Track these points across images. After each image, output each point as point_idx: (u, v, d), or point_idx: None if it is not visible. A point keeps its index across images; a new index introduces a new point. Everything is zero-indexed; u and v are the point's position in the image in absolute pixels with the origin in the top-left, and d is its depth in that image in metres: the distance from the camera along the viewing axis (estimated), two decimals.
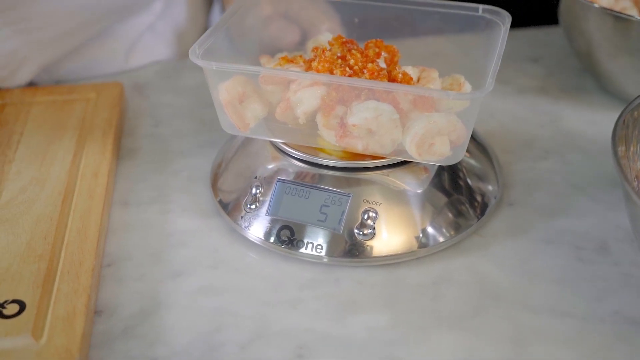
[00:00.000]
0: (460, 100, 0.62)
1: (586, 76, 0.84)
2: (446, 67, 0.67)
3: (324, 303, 0.59)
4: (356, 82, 0.59)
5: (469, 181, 0.67)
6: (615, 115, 0.57)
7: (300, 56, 0.67)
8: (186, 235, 0.65)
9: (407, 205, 0.63)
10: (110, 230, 0.66)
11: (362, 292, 0.59)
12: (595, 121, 0.78)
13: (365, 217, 0.61)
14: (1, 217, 0.65)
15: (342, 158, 0.63)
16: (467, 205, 0.66)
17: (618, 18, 0.72)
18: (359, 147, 0.61)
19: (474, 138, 0.72)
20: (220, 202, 0.67)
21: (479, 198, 0.67)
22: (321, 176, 0.63)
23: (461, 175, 0.67)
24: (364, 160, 0.63)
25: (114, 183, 0.72)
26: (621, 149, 0.52)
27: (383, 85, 0.58)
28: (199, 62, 0.60)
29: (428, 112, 0.60)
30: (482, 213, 0.66)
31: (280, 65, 0.66)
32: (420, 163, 0.63)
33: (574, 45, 0.81)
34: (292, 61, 0.66)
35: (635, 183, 0.55)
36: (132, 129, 0.80)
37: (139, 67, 0.92)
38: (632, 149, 0.55)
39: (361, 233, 0.61)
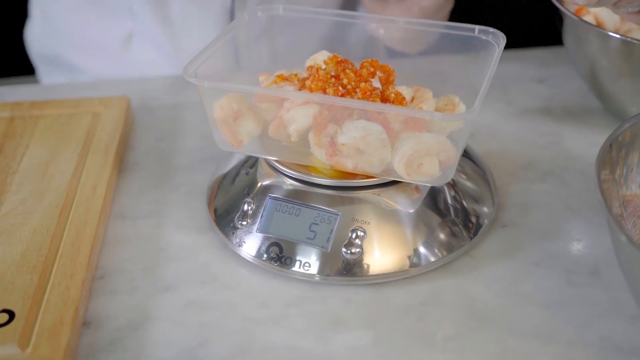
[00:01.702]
0: (450, 122, 0.62)
1: (591, 97, 0.83)
2: (443, 86, 0.67)
3: (309, 321, 0.59)
4: (344, 101, 0.59)
5: (464, 203, 0.67)
6: None
7: (296, 75, 0.67)
8: (179, 250, 0.66)
9: (398, 224, 0.63)
10: (105, 243, 0.67)
11: (348, 311, 0.60)
12: (597, 143, 0.76)
13: (354, 235, 0.61)
14: None
15: (333, 177, 0.63)
16: (460, 226, 0.66)
17: (621, 41, 0.72)
18: (348, 166, 0.61)
19: (471, 159, 0.72)
20: (214, 217, 0.68)
21: (473, 219, 0.67)
22: (312, 194, 0.64)
23: (456, 196, 0.67)
24: (355, 179, 0.63)
25: (113, 196, 0.73)
26: (605, 173, 0.52)
27: (370, 105, 0.59)
28: (192, 80, 0.61)
29: (418, 133, 0.61)
30: (475, 234, 0.66)
31: (276, 83, 0.67)
32: (411, 183, 0.63)
33: (578, 66, 0.81)
34: (287, 79, 0.67)
35: (621, 209, 0.55)
36: (136, 143, 0.81)
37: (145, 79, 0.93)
38: (617, 172, 0.54)
39: (349, 252, 0.61)
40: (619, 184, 0.55)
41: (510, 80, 0.90)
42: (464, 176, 0.69)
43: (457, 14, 0.93)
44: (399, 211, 0.64)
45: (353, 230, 0.61)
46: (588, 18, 0.80)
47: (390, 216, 0.63)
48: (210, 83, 0.61)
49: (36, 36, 1.05)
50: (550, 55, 0.94)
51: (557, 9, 0.78)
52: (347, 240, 0.61)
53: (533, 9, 0.82)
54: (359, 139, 0.59)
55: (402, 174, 0.60)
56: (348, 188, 0.63)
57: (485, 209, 0.68)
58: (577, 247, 0.64)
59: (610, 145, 0.54)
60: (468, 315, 0.59)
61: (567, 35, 0.80)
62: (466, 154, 0.72)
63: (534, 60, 0.93)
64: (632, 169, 0.57)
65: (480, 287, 0.61)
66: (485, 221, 0.67)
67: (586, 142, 0.78)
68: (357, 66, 0.67)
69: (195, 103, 0.88)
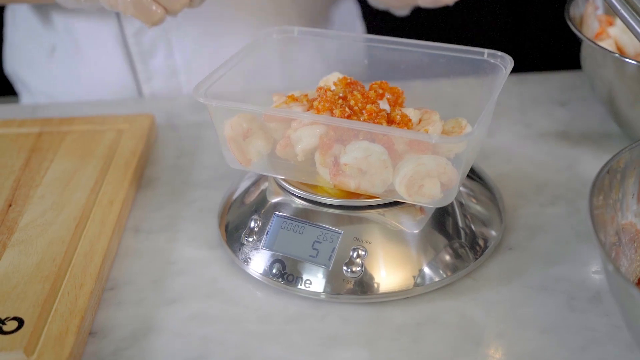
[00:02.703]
0: (448, 144, 0.62)
1: (610, 122, 0.83)
2: (453, 109, 0.68)
3: (308, 337, 0.60)
4: (344, 122, 0.60)
5: (472, 225, 0.68)
6: None
7: (306, 95, 0.69)
8: (189, 264, 0.68)
9: (402, 244, 0.64)
10: (118, 255, 0.69)
11: (346, 329, 0.60)
12: None
13: (354, 255, 0.62)
14: (18, 238, 0.69)
15: (338, 196, 0.64)
16: (466, 248, 0.66)
17: (637, 67, 0.71)
18: (351, 185, 0.62)
19: (482, 182, 0.73)
20: (223, 233, 0.69)
21: (480, 242, 0.67)
22: (318, 213, 0.65)
23: (464, 218, 0.67)
24: (359, 199, 0.64)
25: (130, 210, 0.75)
26: (599, 199, 0.51)
27: (367, 126, 0.60)
28: (201, 100, 0.63)
29: (423, 154, 0.61)
30: (480, 255, 0.66)
31: (286, 103, 0.68)
32: (415, 204, 0.64)
33: (596, 91, 0.80)
34: (297, 100, 0.68)
35: (617, 237, 0.54)
36: (157, 159, 0.83)
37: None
38: (613, 198, 0.54)
39: (349, 270, 0.62)
40: (615, 211, 0.55)
41: (531, 103, 0.90)
42: (473, 200, 0.70)
43: (480, 38, 0.93)
44: (404, 231, 0.64)
45: (354, 249, 0.62)
46: (608, 42, 0.80)
47: (394, 236, 0.64)
48: (218, 102, 0.63)
49: (8, 57, 1.12)
50: (574, 79, 0.94)
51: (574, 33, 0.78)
52: (348, 259, 0.62)
53: (556, 33, 0.82)
54: (361, 160, 0.60)
55: (404, 194, 0.61)
56: (353, 207, 0.64)
57: (493, 232, 0.68)
58: (581, 272, 0.64)
59: (608, 171, 0.54)
60: (464, 338, 0.59)
61: (585, 60, 0.80)
62: (477, 177, 0.73)
63: (557, 83, 0.93)
64: (629, 196, 0.56)
65: (480, 309, 0.61)
66: (492, 243, 0.67)
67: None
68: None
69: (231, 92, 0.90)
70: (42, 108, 0.96)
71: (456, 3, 0.79)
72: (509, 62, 0.65)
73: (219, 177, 0.80)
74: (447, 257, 0.65)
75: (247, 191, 0.71)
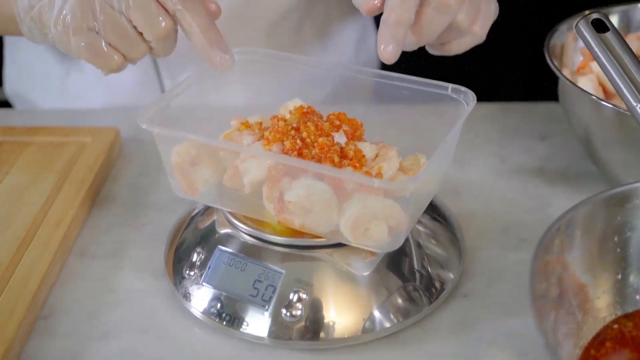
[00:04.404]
0: (397, 188, 0.59)
1: (588, 161, 0.79)
2: (415, 141, 0.65)
3: None
4: (284, 159, 0.58)
5: (429, 268, 0.64)
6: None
7: (260, 123, 0.66)
8: (129, 295, 0.65)
9: (350, 287, 0.61)
10: (59, 281, 0.67)
11: None
12: None
13: (295, 297, 0.59)
14: None
15: (284, 234, 0.61)
16: (420, 291, 0.63)
17: (614, 110, 0.67)
18: (295, 224, 0.59)
19: (444, 220, 0.69)
20: (168, 263, 0.66)
21: (436, 286, 0.64)
22: (263, 250, 0.62)
23: (420, 260, 0.64)
24: (304, 237, 0.61)
25: (79, 232, 0.72)
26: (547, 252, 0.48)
27: (308, 165, 0.57)
28: (144, 126, 0.60)
29: (371, 195, 0.58)
30: (434, 301, 0.63)
31: (239, 130, 0.65)
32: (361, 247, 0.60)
33: (573, 128, 0.77)
34: (249, 127, 0.65)
35: (558, 290, 0.51)
36: (117, 176, 0.81)
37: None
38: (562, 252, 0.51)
39: (289, 314, 0.59)
40: (564, 266, 0.52)
41: (512, 134, 0.86)
42: (432, 241, 0.66)
43: (461, 64, 0.90)
44: (353, 273, 0.61)
45: (295, 292, 0.59)
46: (589, 77, 0.76)
47: (342, 278, 0.61)
48: (161, 130, 0.60)
49: (9, 79, 1.07)
50: (558, 110, 0.89)
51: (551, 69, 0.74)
52: (287, 302, 0.59)
53: (540, 61, 0.78)
54: (304, 198, 0.57)
55: (349, 237, 0.58)
56: (299, 247, 0.61)
57: (450, 276, 0.65)
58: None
59: (558, 229, 0.51)
60: None
61: (563, 95, 0.76)
62: (440, 216, 0.69)
63: (540, 115, 0.89)
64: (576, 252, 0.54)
65: None
66: (446, 290, 0.64)
67: None
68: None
69: (180, 117, 0.87)
70: (14, 114, 0.94)
71: None
72: (471, 98, 0.62)
73: (178, 199, 0.76)
74: (400, 302, 0.62)
75: (198, 219, 0.69)
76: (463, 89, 0.63)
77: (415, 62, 0.71)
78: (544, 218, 0.71)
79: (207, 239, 0.65)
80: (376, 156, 0.63)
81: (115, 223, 0.74)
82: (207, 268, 0.62)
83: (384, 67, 0.66)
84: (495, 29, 0.71)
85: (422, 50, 0.69)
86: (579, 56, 0.80)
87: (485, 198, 0.76)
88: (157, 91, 0.97)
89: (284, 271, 0.60)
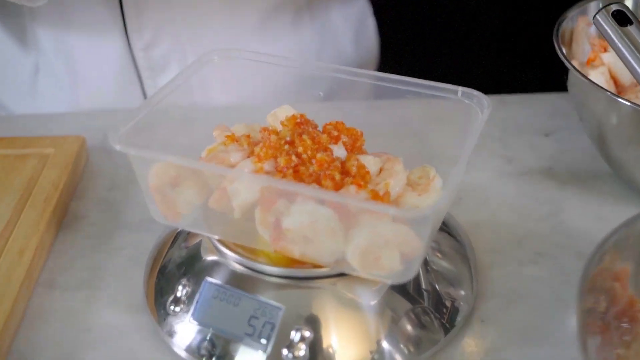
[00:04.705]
0: (415, 216, 0.52)
1: (600, 159, 0.73)
2: (420, 151, 0.58)
3: None
4: (280, 183, 0.50)
5: (437, 287, 0.58)
6: (627, 209, 0.47)
7: (248, 136, 0.59)
8: (107, 332, 0.58)
9: (358, 320, 0.54)
10: (26, 319, 0.59)
11: None
12: (602, 216, 0.67)
13: (297, 336, 0.52)
14: None
15: (281, 263, 0.54)
16: (432, 316, 0.56)
17: (632, 107, 0.61)
18: (295, 253, 0.52)
19: (452, 235, 0.63)
20: (149, 295, 0.59)
21: (449, 308, 0.58)
22: (258, 281, 0.55)
23: (428, 280, 0.58)
24: (305, 267, 0.54)
25: (46, 259, 0.65)
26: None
27: (309, 190, 0.50)
28: (117, 146, 0.53)
29: (383, 218, 0.51)
30: (449, 329, 0.56)
31: (225, 144, 0.58)
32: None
33: (584, 124, 0.71)
34: (237, 141, 0.58)
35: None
36: (84, 192, 0.73)
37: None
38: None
39: (291, 354, 0.52)
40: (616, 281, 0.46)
41: (514, 131, 0.80)
42: (438, 254, 0.60)
43: (459, 56, 0.83)
44: (359, 304, 0.54)
45: (297, 329, 0.52)
46: (600, 70, 0.70)
47: (347, 310, 0.54)
48: (138, 152, 0.53)
49: None
50: (561, 102, 0.84)
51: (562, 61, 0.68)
52: (289, 342, 0.52)
53: (543, 53, 0.72)
54: (306, 226, 0.50)
55: (357, 267, 0.51)
56: (299, 278, 0.54)
57: (464, 296, 0.59)
58: (562, 356, 0.55)
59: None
60: None
61: (573, 87, 0.70)
62: (446, 227, 0.63)
63: (542, 108, 0.83)
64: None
65: None
66: (460, 316, 0.57)
67: (590, 215, 0.68)
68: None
69: (158, 144, 0.80)
70: None
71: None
72: (485, 104, 0.55)
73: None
74: (411, 330, 0.55)
75: (181, 242, 0.61)
76: (475, 92, 0.56)
77: (411, 56, 0.65)
78: (559, 227, 0.65)
79: (193, 267, 0.58)
80: (380, 171, 0.56)
81: (87, 248, 0.66)
82: (194, 302, 0.55)
83: (383, 65, 0.60)
84: (491, 16, 0.65)
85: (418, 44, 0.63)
86: (588, 47, 0.73)
87: (492, 205, 0.70)
88: (138, 94, 0.89)
89: (283, 306, 0.53)
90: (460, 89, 0.57)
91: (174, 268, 0.59)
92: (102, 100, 0.88)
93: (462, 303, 0.58)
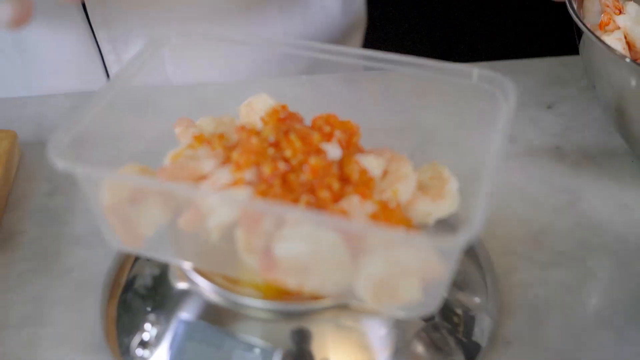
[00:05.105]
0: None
1: (609, 130, 0.65)
2: (424, 145, 0.49)
3: None
4: (271, 208, 0.40)
5: (455, 307, 0.49)
6: None
7: (222, 136, 0.48)
8: None
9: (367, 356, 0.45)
10: None
11: None
12: (625, 204, 0.59)
13: None
14: None
15: (270, 295, 0.45)
16: (451, 342, 0.48)
17: None
18: (290, 284, 0.42)
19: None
20: (109, 333, 0.49)
21: (469, 328, 0.49)
22: (243, 318, 0.45)
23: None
24: (299, 299, 0.44)
25: None
26: None
27: (305, 215, 0.40)
28: (59, 164, 0.41)
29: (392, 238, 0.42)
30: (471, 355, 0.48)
31: (193, 147, 0.47)
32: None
33: (599, 95, 0.62)
34: (208, 142, 0.47)
35: None
36: (19, 200, 0.61)
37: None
38: None
39: None
40: None
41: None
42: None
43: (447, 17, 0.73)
44: (366, 336, 0.45)
45: None
46: (615, 35, 0.61)
47: (353, 346, 0.45)
48: (86, 170, 0.42)
49: None
50: (560, 68, 0.75)
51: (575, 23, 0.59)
52: None
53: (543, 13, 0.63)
54: (305, 254, 0.40)
55: (368, 300, 0.42)
56: (294, 313, 0.44)
57: (483, 311, 0.50)
58: None
59: None
60: None
61: (586, 54, 0.61)
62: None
63: (539, 76, 0.74)
64: None
65: None
66: (484, 337, 0.49)
67: (611, 204, 0.59)
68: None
69: (107, 137, 0.68)
70: None
71: None
72: (510, 90, 0.46)
73: None
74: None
75: (144, 260, 0.51)
76: (496, 75, 0.46)
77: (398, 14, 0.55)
78: (581, 217, 0.57)
79: (162, 298, 0.47)
80: (384, 174, 0.47)
81: (26, 272, 0.55)
82: (168, 347, 0.45)
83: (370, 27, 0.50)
84: None
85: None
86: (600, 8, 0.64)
87: (500, 195, 0.60)
88: (100, 73, 0.76)
89: (276, 347, 0.44)
90: (475, 70, 0.47)
91: (138, 298, 0.49)
92: (58, 80, 0.75)
93: (484, 326, 0.49)
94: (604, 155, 0.64)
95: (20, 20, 0.46)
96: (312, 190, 0.43)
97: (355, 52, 0.50)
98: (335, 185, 0.43)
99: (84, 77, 0.75)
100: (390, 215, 0.43)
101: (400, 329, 0.46)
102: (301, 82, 0.59)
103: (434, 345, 0.47)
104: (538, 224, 0.58)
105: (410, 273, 0.41)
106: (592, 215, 0.58)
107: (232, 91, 0.56)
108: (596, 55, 0.60)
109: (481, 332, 0.49)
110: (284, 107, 0.49)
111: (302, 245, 0.40)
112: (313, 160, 0.44)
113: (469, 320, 0.49)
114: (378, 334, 0.45)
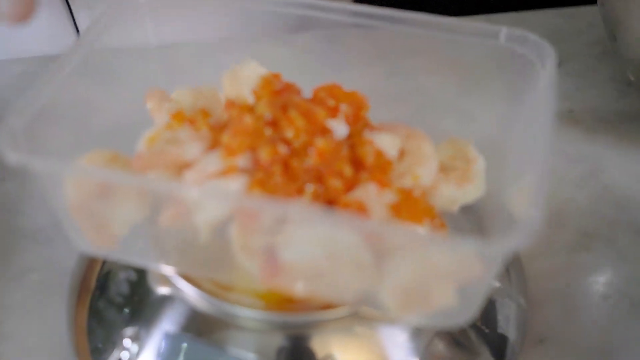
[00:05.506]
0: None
1: (621, 91, 0.59)
2: (441, 120, 0.42)
3: None
4: (276, 207, 0.33)
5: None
6: None
7: (205, 112, 0.40)
8: None
9: None
10: None
11: None
12: None
13: None
14: None
15: (272, 303, 0.38)
16: (479, 343, 0.42)
17: None
18: (299, 291, 0.36)
19: (475, 216, 0.47)
20: (78, 346, 0.42)
21: (495, 325, 0.43)
22: (238, 330, 0.38)
23: None
24: (307, 309, 0.37)
25: None
26: None
27: (320, 215, 0.33)
28: (11, 157, 0.33)
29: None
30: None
31: (173, 128, 0.40)
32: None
33: (621, 48, 0.56)
34: (192, 122, 0.40)
35: None
36: None
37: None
38: None
39: None
40: None
41: None
42: None
43: None
44: (384, 344, 0.39)
45: None
46: None
47: (368, 355, 0.39)
48: (47, 163, 0.34)
49: None
50: (563, 21, 0.68)
51: None
52: None
53: None
54: (319, 259, 0.34)
55: (395, 309, 0.35)
56: (302, 325, 0.38)
57: (512, 307, 0.44)
58: None
59: None
60: None
61: (608, 2, 0.55)
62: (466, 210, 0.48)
63: (540, 30, 0.67)
64: None
65: None
66: (512, 335, 0.43)
67: (634, 174, 0.54)
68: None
69: (69, 113, 0.60)
70: None
71: None
72: (547, 55, 0.39)
73: None
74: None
75: (118, 266, 0.43)
76: (531, 37, 0.40)
77: None
78: (605, 192, 0.51)
79: (140, 305, 0.40)
80: (401, 154, 0.40)
81: None
82: None
83: None
84: None
85: None
86: None
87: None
88: (70, 31, 0.68)
89: None
90: (503, 30, 0.40)
91: (112, 306, 0.41)
92: (21, 40, 0.67)
93: (504, 303, 0.44)
94: (620, 119, 0.58)
95: (23, 15, 0.39)
96: (319, 178, 0.36)
97: (346, 9, 0.43)
98: (348, 171, 0.36)
99: (51, 40, 0.68)
100: (414, 206, 0.36)
101: (417, 334, 0.40)
102: (285, 43, 0.51)
103: (454, 342, 0.41)
104: (558, 200, 0.52)
105: (444, 276, 0.34)
106: (617, 189, 0.52)
107: (208, 54, 0.49)
108: (620, 3, 0.53)
109: (506, 321, 0.43)
110: (276, 76, 0.41)
111: (316, 248, 0.33)
112: (320, 142, 0.37)
113: (490, 306, 0.43)
114: (398, 341, 0.39)
